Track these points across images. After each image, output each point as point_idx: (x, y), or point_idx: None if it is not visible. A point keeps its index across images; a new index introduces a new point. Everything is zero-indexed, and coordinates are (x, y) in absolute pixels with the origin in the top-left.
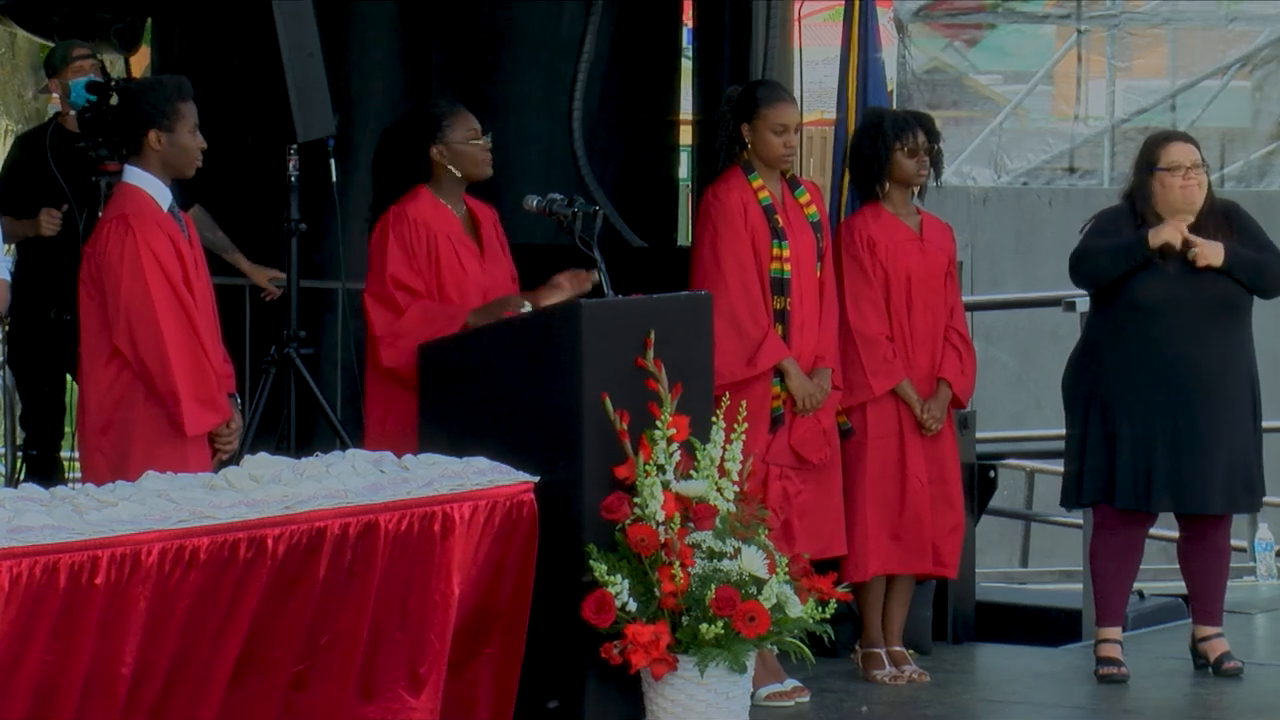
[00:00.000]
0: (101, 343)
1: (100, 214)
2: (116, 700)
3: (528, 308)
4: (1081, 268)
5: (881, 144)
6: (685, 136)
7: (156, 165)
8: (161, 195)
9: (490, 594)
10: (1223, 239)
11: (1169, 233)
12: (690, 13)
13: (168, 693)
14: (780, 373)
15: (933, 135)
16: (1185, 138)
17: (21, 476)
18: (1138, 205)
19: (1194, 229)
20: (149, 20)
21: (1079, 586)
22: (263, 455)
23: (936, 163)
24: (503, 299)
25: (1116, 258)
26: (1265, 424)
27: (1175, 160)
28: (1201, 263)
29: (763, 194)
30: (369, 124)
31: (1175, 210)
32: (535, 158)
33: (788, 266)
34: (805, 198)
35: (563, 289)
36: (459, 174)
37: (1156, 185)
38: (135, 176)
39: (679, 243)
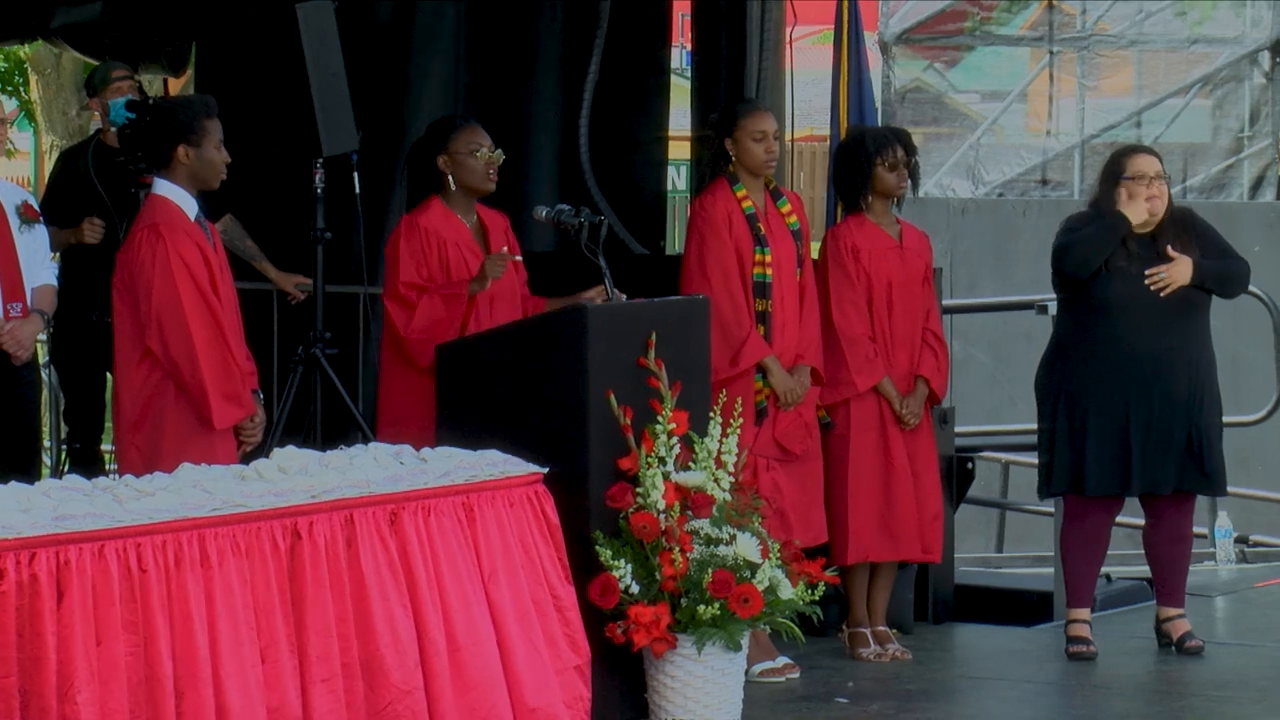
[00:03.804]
0: (135, 343)
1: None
2: (205, 686)
3: (513, 256)
4: (1068, 257)
5: (863, 159)
6: (685, 151)
7: (184, 178)
8: (189, 206)
9: (538, 587)
10: (1182, 244)
11: (1139, 208)
12: (690, 36)
13: (257, 682)
14: (762, 369)
15: (910, 150)
16: (1149, 151)
17: (65, 468)
18: (1105, 213)
19: (1155, 235)
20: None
21: (1050, 570)
22: (290, 448)
23: (914, 175)
24: (489, 260)
25: (1102, 239)
26: (1225, 419)
27: (1140, 170)
28: (1173, 287)
29: (746, 203)
30: (395, 140)
31: (1139, 218)
32: (551, 171)
33: (769, 271)
34: (787, 207)
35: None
36: (459, 184)
37: (1122, 194)
38: (164, 188)
39: (668, 251)
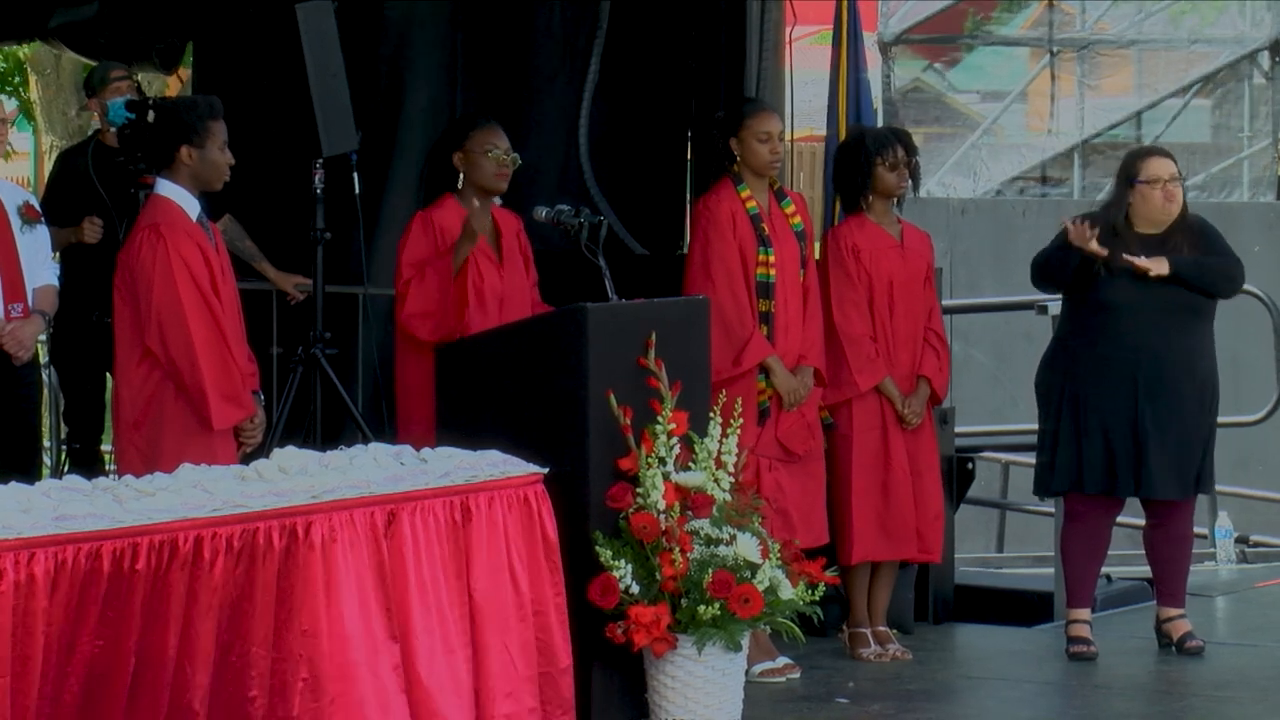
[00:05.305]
0: (134, 343)
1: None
2: (164, 685)
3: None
4: (1036, 272)
5: (864, 159)
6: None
7: (187, 178)
8: (190, 206)
9: (526, 590)
10: (1189, 250)
11: (1084, 243)
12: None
13: (217, 678)
14: (765, 370)
15: (910, 150)
16: (1164, 153)
17: (65, 468)
18: (1111, 215)
19: (1163, 239)
20: (189, 43)
21: (1051, 571)
22: (290, 449)
23: (915, 175)
24: (467, 222)
25: (1059, 266)
26: (1225, 419)
27: (1155, 174)
28: (1151, 271)
29: (750, 204)
30: (395, 141)
31: (1152, 221)
32: (551, 172)
33: (773, 271)
34: (791, 208)
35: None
36: (469, 182)
37: (1136, 197)
38: (166, 188)
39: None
